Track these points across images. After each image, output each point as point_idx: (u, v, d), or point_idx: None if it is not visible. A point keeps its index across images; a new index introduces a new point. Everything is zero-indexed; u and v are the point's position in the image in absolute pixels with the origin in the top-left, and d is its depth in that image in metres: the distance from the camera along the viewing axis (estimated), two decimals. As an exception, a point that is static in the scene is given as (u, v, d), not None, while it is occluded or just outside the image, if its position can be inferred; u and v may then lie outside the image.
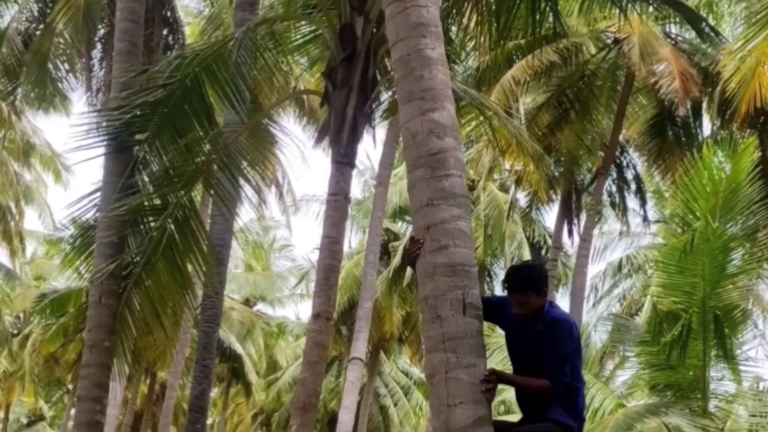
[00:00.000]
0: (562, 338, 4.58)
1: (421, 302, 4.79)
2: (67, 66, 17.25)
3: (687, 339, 10.44)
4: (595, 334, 26.43)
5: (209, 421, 40.47)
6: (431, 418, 4.65)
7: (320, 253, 9.38)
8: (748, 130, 15.40)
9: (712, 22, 15.97)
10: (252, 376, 34.34)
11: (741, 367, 11.60)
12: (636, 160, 18.89)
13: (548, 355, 4.54)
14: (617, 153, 18.02)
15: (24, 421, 44.06)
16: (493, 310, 4.85)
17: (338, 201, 9.16)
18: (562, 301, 24.36)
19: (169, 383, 22.28)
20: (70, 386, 31.18)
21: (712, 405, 11.03)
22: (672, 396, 11.03)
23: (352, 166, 9.69)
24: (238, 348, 32.72)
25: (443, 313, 4.61)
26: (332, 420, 28.49)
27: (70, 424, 12.26)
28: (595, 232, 19.99)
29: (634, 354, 12.19)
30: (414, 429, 38.03)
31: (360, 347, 16.45)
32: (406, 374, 35.32)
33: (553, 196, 18.86)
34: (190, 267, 9.54)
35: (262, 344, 37.02)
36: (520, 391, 4.88)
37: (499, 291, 24.41)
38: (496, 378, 4.52)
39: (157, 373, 30.84)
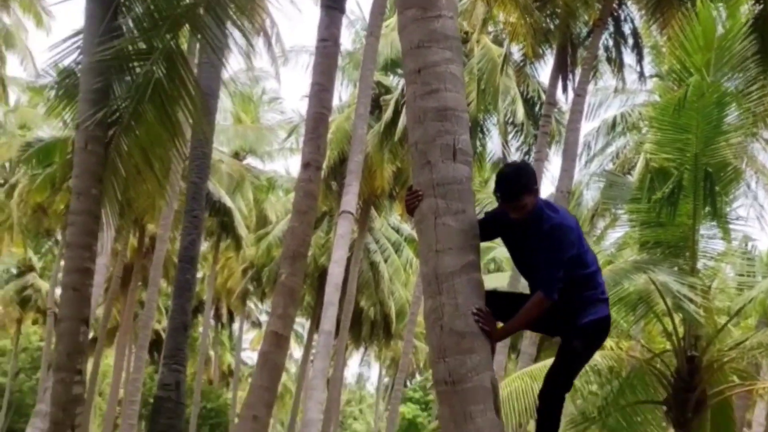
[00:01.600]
0: (562, 244, 4.46)
1: (411, 148, 4.68)
2: None
3: (678, 196, 10.40)
4: (587, 192, 26.51)
5: (199, 275, 41.10)
6: (420, 265, 4.58)
7: (309, 101, 9.15)
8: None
9: None
10: (242, 230, 34.62)
11: (731, 226, 11.65)
12: (634, 13, 18.22)
13: (543, 260, 4.44)
14: (615, 5, 17.39)
15: (14, 271, 44.74)
16: (490, 228, 4.73)
17: (327, 47, 8.85)
18: (555, 158, 24.32)
19: (158, 235, 22.36)
20: (60, 237, 31.44)
21: (700, 263, 11.10)
22: (661, 254, 11.07)
23: (342, 11, 9.36)
24: (228, 201, 32.82)
25: (433, 159, 4.51)
26: (322, 274, 28.89)
27: (60, 275, 12.41)
28: (590, 88, 19.51)
29: (624, 211, 12.19)
30: (404, 285, 38.78)
31: (350, 201, 16.40)
32: (397, 231, 35.64)
33: (548, 50, 18.37)
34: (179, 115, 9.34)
35: (251, 198, 37.14)
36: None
37: (491, 145, 24.29)
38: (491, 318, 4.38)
39: (146, 226, 31.07)
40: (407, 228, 34.28)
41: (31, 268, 42.67)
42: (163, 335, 22.79)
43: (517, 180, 4.47)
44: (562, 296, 4.47)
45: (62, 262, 17.50)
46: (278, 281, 7.27)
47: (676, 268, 10.43)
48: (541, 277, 4.45)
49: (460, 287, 4.33)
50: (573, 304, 4.58)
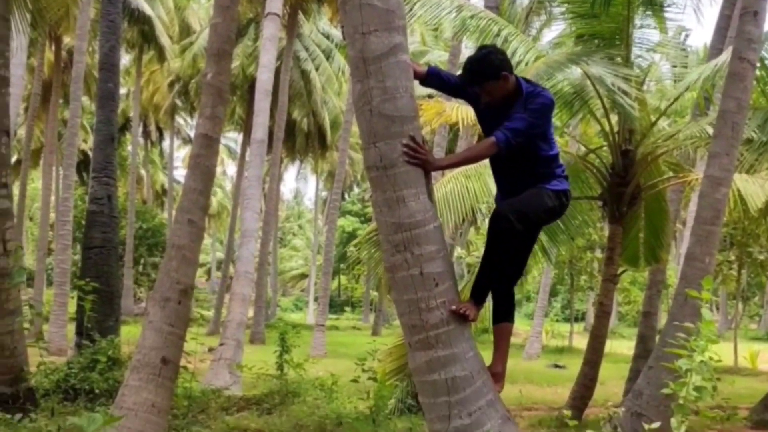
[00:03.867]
0: (542, 115, 4.42)
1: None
2: None
3: (612, -16, 10.06)
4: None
5: (123, 91, 39.94)
6: (347, 48, 4.30)
7: None
8: None
9: None
10: (164, 40, 33.26)
11: (666, 15, 11.45)
12: None
13: (516, 118, 4.33)
14: None
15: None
16: (457, 88, 4.74)
17: None
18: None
19: (75, 47, 21.24)
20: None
21: (634, 54, 10.96)
22: (596, 47, 10.86)
23: None
24: (147, 9, 31.29)
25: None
26: (252, 85, 28.18)
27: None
28: None
29: (558, 3, 11.83)
30: (337, 94, 38.31)
31: (275, 2, 15.70)
32: (327, 37, 34.59)
33: None
34: None
35: (172, 6, 35.50)
36: (500, 184, 4.78)
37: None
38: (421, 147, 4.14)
39: (62, 38, 29.54)
40: (338, 33, 33.32)
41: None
42: (90, 154, 22.21)
43: (474, 68, 4.46)
44: (523, 169, 4.51)
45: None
46: (204, 81, 6.89)
47: (610, 60, 10.22)
48: (505, 126, 4.31)
49: (387, 70, 4.11)
50: (535, 177, 4.54)
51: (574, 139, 15.64)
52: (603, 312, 11.35)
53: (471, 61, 4.51)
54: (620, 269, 11.58)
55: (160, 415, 5.74)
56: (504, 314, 4.68)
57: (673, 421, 3.91)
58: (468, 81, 4.52)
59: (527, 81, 4.57)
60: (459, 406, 4.10)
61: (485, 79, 4.42)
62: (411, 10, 9.54)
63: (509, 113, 4.39)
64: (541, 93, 4.46)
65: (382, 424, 8.04)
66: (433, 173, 4.38)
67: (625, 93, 9.89)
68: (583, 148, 12.61)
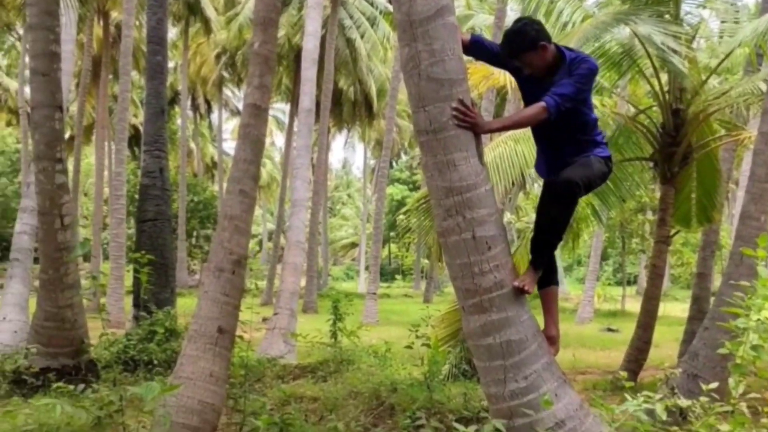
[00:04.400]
0: (587, 80, 4.46)
1: None
2: None
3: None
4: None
5: (171, 64, 40.21)
6: (393, 11, 4.26)
7: None
8: None
9: None
10: (210, 12, 33.38)
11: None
12: None
13: (563, 83, 4.36)
14: None
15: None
16: (500, 58, 4.74)
17: None
18: None
19: (124, 22, 21.45)
20: (21, 31, 30.23)
21: (683, 11, 10.68)
22: (643, 4, 10.58)
23: None
24: (192, -20, 31.44)
25: None
26: (298, 55, 28.21)
27: (27, 73, 11.77)
28: None
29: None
30: (382, 62, 38.09)
31: (318, -30, 15.69)
32: (372, 4, 34.30)
33: None
34: None
35: (217, -23, 35.57)
36: (545, 152, 4.80)
37: None
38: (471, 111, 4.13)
39: (110, 13, 29.83)
40: (382, 0, 33.06)
41: (-4, 67, 41.52)
42: (141, 129, 22.44)
43: (516, 39, 4.48)
44: (569, 136, 4.54)
45: (27, 58, 16.83)
46: (251, 50, 6.86)
47: (659, 18, 9.96)
48: (553, 92, 4.31)
49: (435, 32, 4.08)
50: (580, 144, 4.58)
51: (623, 99, 15.31)
52: (656, 274, 11.19)
53: (508, 34, 4.54)
54: (672, 231, 11.39)
55: (218, 383, 5.81)
56: (549, 278, 4.68)
57: (731, 381, 3.83)
58: (507, 53, 4.55)
59: (569, 49, 4.57)
60: (514, 369, 4.09)
61: (523, 50, 4.45)
62: (457, -28, 9.39)
63: (553, 81, 4.39)
64: (585, 59, 4.47)
65: (436, 389, 8.04)
66: (483, 137, 4.34)
67: (675, 51, 9.63)
68: (632, 109, 12.33)
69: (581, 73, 4.36)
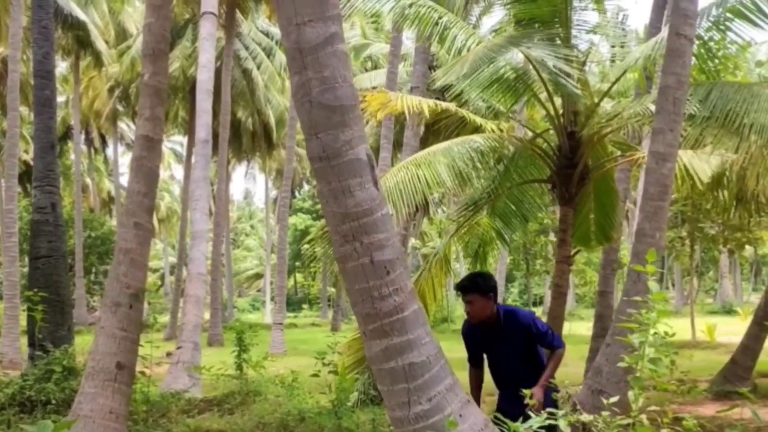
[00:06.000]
0: (532, 323, 5.45)
1: None
2: None
3: (550, -33, 10.10)
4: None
5: (62, 99, 39.13)
6: (282, 39, 4.27)
7: None
8: None
9: None
10: (100, 45, 32.64)
11: (603, -4, 11.57)
12: None
13: (539, 336, 5.44)
14: None
15: None
16: (471, 344, 5.61)
17: None
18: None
19: (9, 56, 20.80)
20: None
21: (574, 35, 11.01)
22: (535, 30, 10.89)
23: None
24: (80, 14, 30.61)
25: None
26: (193, 87, 27.82)
27: None
28: None
29: (495, -12, 11.85)
30: (280, 92, 38.00)
31: (211, 0, 15.56)
32: (267, 35, 34.30)
33: None
34: None
35: (106, 10, 34.80)
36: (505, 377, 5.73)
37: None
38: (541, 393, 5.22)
39: (-5, 48, 28.86)
40: (277, 31, 33.03)
41: None
42: (32, 164, 21.74)
43: (473, 279, 5.39)
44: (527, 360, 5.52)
45: None
46: (141, 83, 6.79)
47: (550, 42, 10.26)
48: (549, 341, 5.44)
49: (325, 60, 4.12)
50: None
51: (520, 123, 15.74)
52: (559, 293, 11.43)
53: (469, 276, 5.56)
54: (573, 250, 11.70)
55: (118, 420, 5.67)
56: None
57: (631, 395, 3.95)
58: (462, 287, 5.29)
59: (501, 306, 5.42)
60: (418, 391, 4.12)
61: (474, 290, 5.21)
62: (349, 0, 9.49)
63: (502, 335, 5.31)
64: (530, 315, 5.62)
65: (344, 416, 8.03)
66: (381, 164, 4.42)
67: (567, 75, 9.94)
68: (530, 133, 12.67)
69: (541, 323, 5.53)
